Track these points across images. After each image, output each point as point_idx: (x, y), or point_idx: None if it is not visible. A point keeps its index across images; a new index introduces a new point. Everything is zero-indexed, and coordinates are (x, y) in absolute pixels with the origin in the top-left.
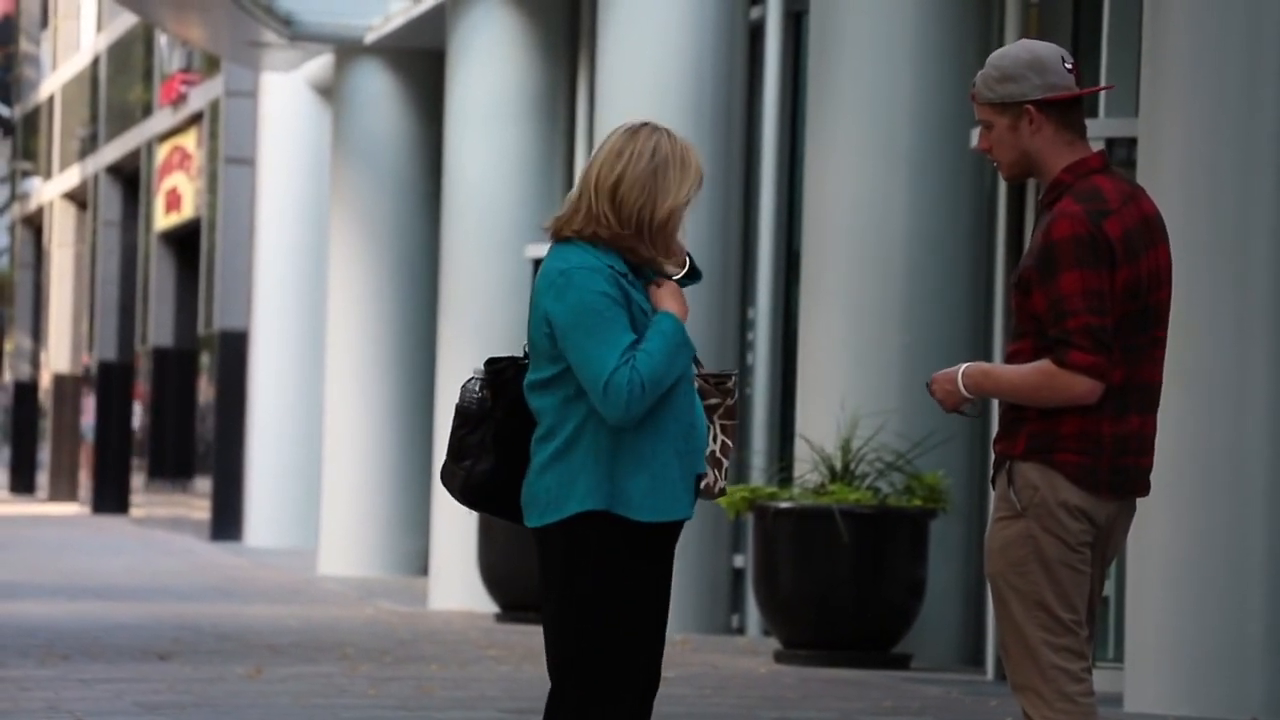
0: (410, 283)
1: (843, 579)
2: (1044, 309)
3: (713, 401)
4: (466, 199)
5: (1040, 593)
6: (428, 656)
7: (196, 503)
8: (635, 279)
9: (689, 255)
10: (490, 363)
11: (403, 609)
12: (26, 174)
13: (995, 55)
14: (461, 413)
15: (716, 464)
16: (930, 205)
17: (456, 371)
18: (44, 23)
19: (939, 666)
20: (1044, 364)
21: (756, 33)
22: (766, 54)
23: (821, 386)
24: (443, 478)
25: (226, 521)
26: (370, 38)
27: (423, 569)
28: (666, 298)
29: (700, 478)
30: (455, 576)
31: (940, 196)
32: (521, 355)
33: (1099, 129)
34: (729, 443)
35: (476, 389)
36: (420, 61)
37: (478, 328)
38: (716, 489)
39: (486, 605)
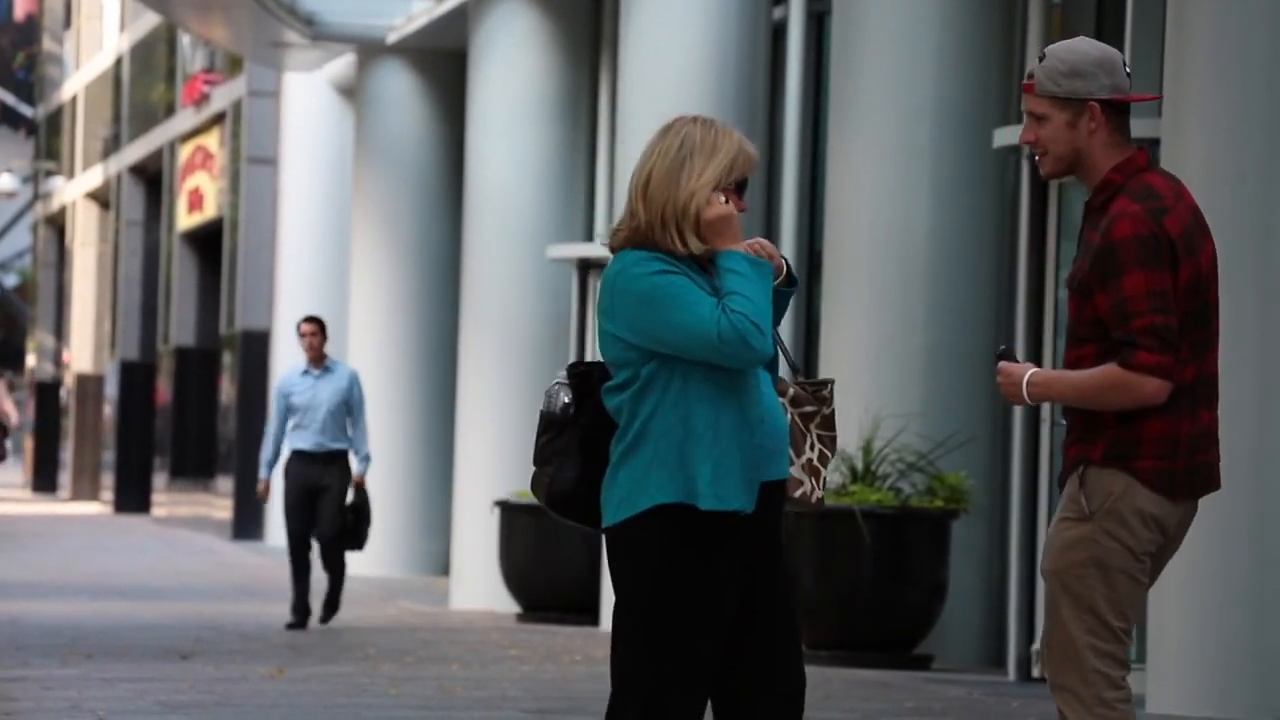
0: (432, 282)
1: (864, 580)
2: (1107, 311)
3: (808, 409)
4: (488, 199)
5: (1094, 598)
6: (449, 656)
7: (218, 502)
8: (698, 270)
9: (785, 260)
10: (572, 367)
11: (424, 609)
12: (49, 174)
13: (1061, 49)
14: (545, 418)
15: (814, 473)
16: (952, 206)
17: (477, 371)
18: (67, 23)
19: (961, 667)
20: (1110, 367)
21: (779, 33)
22: (789, 54)
23: (843, 387)
24: (532, 485)
25: (248, 521)
26: (392, 38)
27: (444, 569)
28: (722, 236)
29: (794, 485)
30: (477, 577)
31: (962, 197)
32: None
33: None
34: (827, 452)
35: (562, 394)
36: (442, 61)
37: (499, 327)
38: (814, 498)
39: (508, 605)
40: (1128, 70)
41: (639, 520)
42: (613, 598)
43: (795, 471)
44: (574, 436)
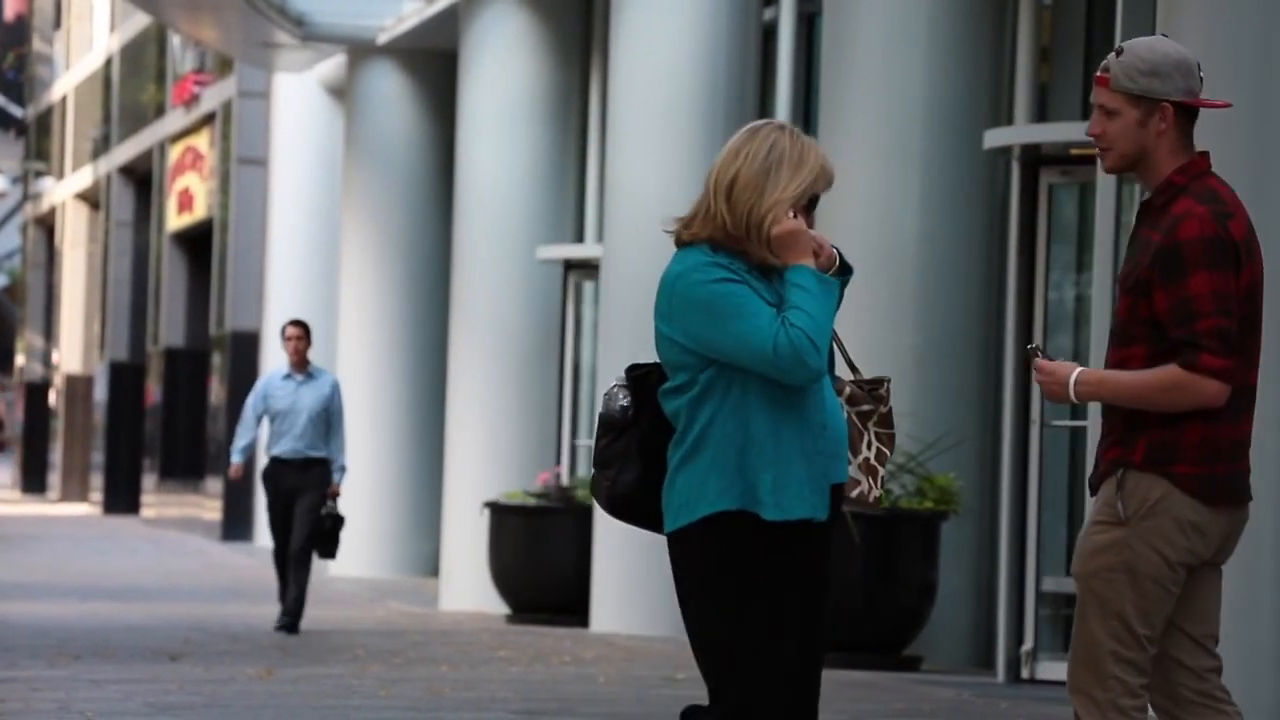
0: (422, 283)
1: (854, 581)
2: (1166, 310)
3: (865, 408)
4: (478, 200)
5: (1121, 604)
6: (438, 658)
7: (207, 503)
8: (760, 277)
9: (838, 251)
10: (632, 369)
11: (414, 610)
12: (39, 174)
13: (1141, 47)
14: (604, 421)
15: (871, 472)
16: (942, 206)
17: (467, 372)
18: (57, 23)
19: (950, 668)
20: (1170, 368)
21: (769, 34)
22: (779, 55)
23: None
24: (591, 488)
25: (237, 522)
26: (383, 38)
27: (433, 570)
28: (791, 251)
29: (851, 485)
30: (466, 578)
31: (952, 197)
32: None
33: None
34: (885, 450)
35: (621, 397)
36: (433, 62)
37: (489, 328)
38: (871, 497)
39: (497, 606)
40: (1201, 74)
41: (697, 527)
42: (603, 599)
43: (852, 471)
44: (633, 439)
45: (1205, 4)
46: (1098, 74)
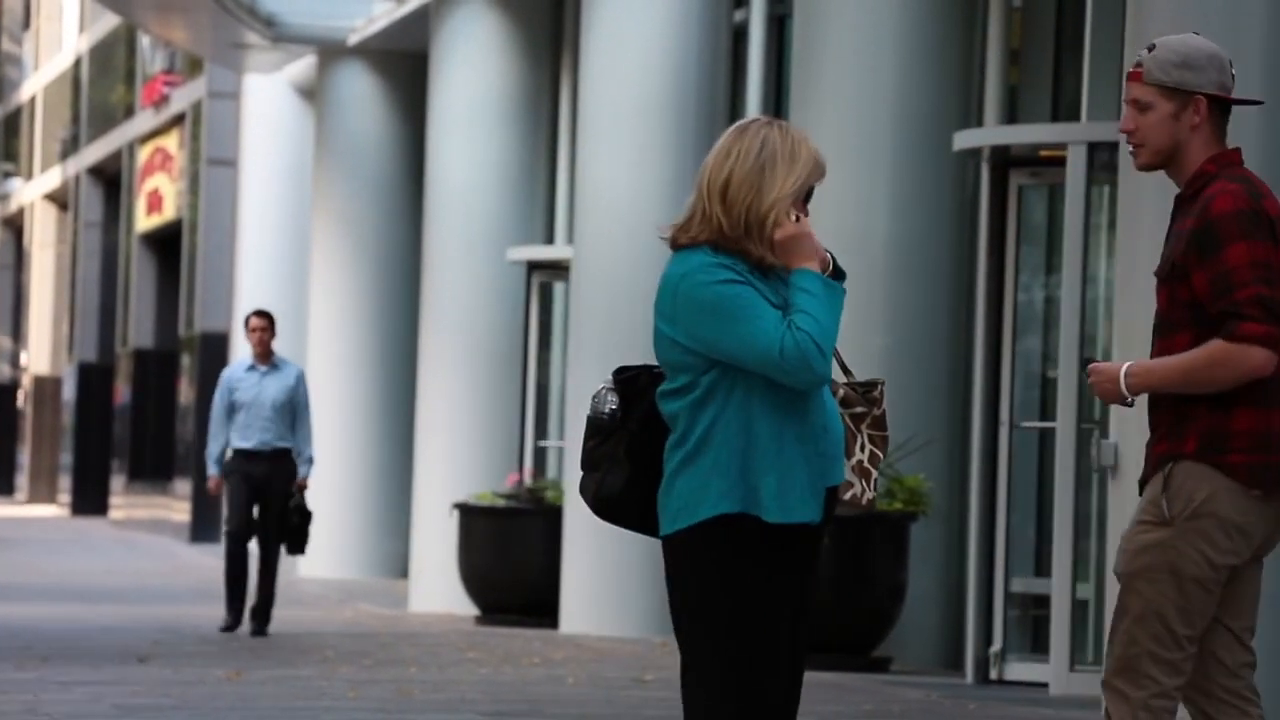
0: (392, 285)
1: (823, 582)
2: (1205, 287)
3: (859, 410)
4: (449, 201)
5: (1163, 605)
6: (407, 659)
7: (176, 504)
8: (761, 278)
9: (831, 255)
10: (620, 371)
11: (383, 611)
12: (8, 175)
13: (1174, 41)
14: (592, 423)
15: (864, 474)
16: (912, 208)
17: (437, 372)
18: (26, 23)
19: (919, 669)
20: (1213, 342)
21: (740, 35)
22: (750, 57)
23: None
24: (580, 490)
25: (206, 523)
26: (353, 39)
27: (403, 571)
28: (795, 255)
29: (845, 487)
30: (435, 579)
31: (922, 199)
32: (656, 364)
33: (1082, 133)
34: (878, 453)
35: (609, 399)
36: (403, 63)
37: (459, 329)
38: (864, 500)
39: (466, 608)
40: (1233, 71)
41: (698, 530)
42: (572, 601)
43: (846, 473)
44: (621, 441)
45: (1173, 7)
46: (1130, 69)
